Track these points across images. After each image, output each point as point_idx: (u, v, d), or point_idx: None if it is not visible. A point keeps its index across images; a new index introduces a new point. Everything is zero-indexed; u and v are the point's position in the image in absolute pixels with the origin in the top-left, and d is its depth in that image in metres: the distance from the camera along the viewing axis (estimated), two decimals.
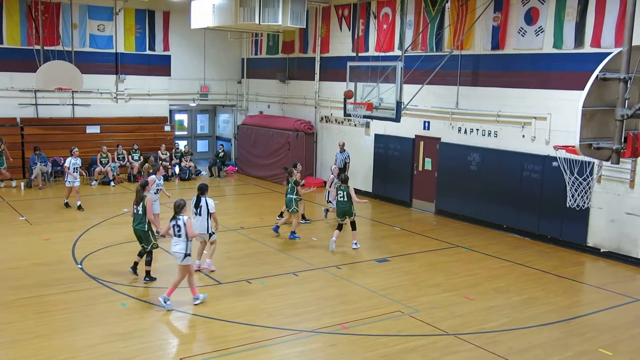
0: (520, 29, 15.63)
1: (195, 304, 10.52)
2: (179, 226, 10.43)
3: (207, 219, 11.88)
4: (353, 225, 14.31)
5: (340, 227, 14.22)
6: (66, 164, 17.61)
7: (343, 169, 19.11)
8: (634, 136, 8.13)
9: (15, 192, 20.17)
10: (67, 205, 17.62)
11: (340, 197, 14.12)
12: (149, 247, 11.72)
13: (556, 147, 10.86)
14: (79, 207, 17.44)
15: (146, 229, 11.67)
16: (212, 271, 12.31)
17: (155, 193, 14.40)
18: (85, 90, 22.14)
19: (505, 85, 16.13)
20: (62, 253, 13.45)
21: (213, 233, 12.11)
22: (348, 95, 16.78)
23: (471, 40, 16.86)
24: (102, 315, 10.05)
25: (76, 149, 17.81)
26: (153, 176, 14.39)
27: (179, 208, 10.48)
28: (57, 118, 22.93)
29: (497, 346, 9.23)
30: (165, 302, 10.36)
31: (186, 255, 10.37)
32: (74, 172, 17.40)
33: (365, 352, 8.95)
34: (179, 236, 10.42)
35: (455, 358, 8.84)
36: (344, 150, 19.56)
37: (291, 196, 15.02)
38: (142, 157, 23.08)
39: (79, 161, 17.74)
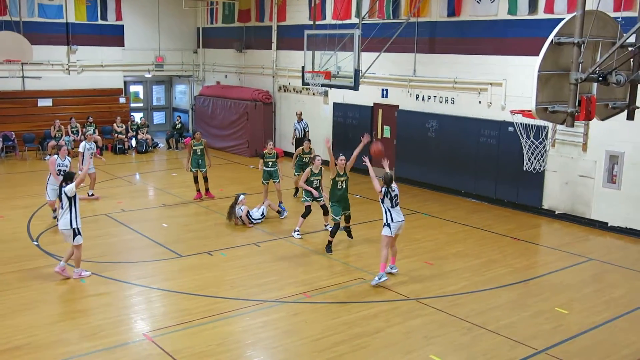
0: None
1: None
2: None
3: (71, 212, 10.22)
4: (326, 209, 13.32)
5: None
6: (80, 149, 15.38)
7: (302, 140, 18.89)
8: (587, 99, 8.24)
9: None
10: (91, 195, 15.50)
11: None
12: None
13: (513, 112, 11.06)
14: (91, 195, 15.50)
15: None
16: (67, 278, 10.40)
17: (58, 174, 13.16)
18: (35, 62, 21.57)
19: (461, 52, 16.17)
20: (17, 230, 13.18)
21: (78, 233, 10.31)
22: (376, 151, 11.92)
23: (428, 8, 16.81)
24: (60, 293, 9.91)
25: (90, 131, 16.38)
26: (55, 157, 13.54)
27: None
28: (7, 91, 22.21)
29: (458, 309, 9.40)
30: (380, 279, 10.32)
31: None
32: (90, 157, 15.24)
33: (328, 320, 9.02)
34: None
35: (418, 322, 8.99)
36: (302, 120, 19.36)
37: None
38: (96, 130, 22.57)
39: (93, 145, 15.58)
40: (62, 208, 10.32)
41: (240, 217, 13.65)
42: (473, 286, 10.37)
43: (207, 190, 16.13)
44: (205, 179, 15.99)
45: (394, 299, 9.76)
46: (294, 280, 10.57)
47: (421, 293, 10.01)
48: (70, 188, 10.19)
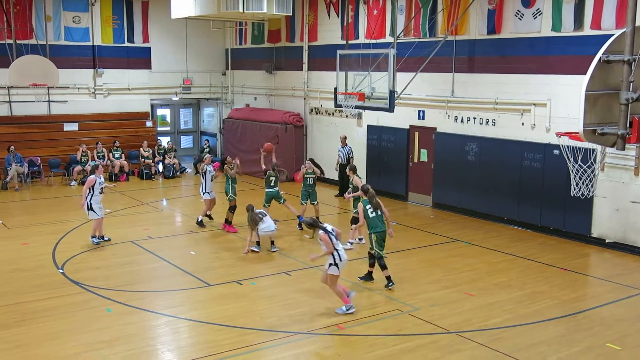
0: (517, 12, 15.31)
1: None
2: None
3: None
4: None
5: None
6: (210, 171, 15.81)
7: (346, 165, 18.64)
8: (639, 120, 7.91)
9: None
10: (210, 217, 15.96)
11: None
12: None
13: (559, 134, 10.78)
14: (211, 217, 16.01)
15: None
16: None
17: (100, 193, 13.66)
18: (61, 85, 21.48)
19: (502, 71, 15.84)
20: (42, 257, 13.10)
21: None
22: (268, 149, 16.33)
23: (466, 25, 16.52)
24: (86, 322, 9.76)
25: (207, 155, 17.31)
26: (92, 176, 13.62)
27: None
28: (33, 116, 22.32)
29: (501, 343, 9.04)
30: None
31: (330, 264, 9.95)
32: (211, 180, 15.70)
33: (363, 354, 8.76)
34: None
35: (458, 357, 8.69)
36: (346, 145, 19.18)
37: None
38: (122, 155, 22.38)
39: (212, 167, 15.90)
40: None
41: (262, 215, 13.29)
42: (517, 319, 9.97)
43: (230, 223, 15.35)
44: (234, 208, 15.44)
45: (433, 332, 9.44)
46: (327, 310, 10.24)
47: (462, 326, 9.67)
48: None
